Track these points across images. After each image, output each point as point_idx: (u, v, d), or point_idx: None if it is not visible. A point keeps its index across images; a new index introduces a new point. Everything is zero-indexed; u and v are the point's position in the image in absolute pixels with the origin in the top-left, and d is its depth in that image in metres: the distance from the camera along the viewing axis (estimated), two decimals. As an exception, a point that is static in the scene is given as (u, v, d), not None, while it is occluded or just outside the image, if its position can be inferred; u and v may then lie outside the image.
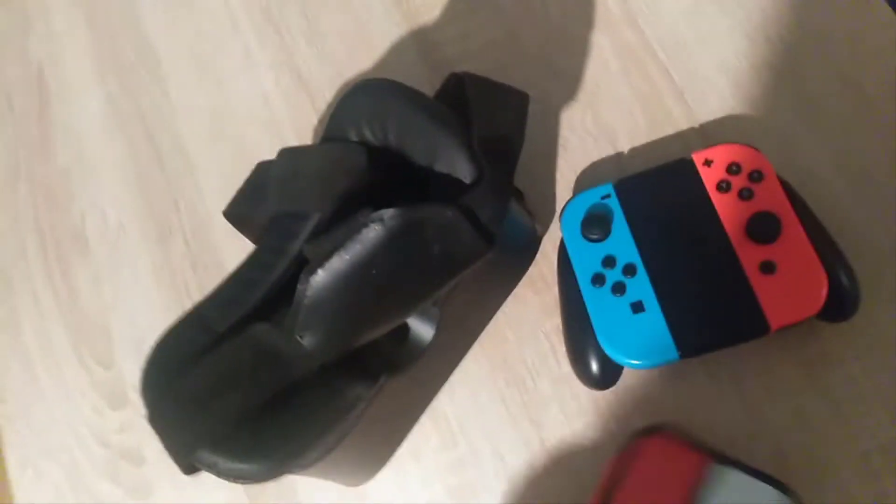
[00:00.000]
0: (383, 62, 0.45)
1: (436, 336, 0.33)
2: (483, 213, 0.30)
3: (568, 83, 0.42)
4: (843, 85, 0.37)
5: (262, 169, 0.34)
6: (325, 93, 0.46)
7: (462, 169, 0.31)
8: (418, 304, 0.30)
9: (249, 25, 0.49)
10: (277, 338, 0.28)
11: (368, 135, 0.33)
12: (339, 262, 0.27)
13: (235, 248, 0.45)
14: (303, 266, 0.29)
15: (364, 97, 0.33)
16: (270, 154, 0.45)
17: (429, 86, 0.44)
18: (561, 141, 0.41)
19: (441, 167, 0.32)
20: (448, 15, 0.45)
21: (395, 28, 0.46)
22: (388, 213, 0.28)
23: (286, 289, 0.30)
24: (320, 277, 0.27)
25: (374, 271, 0.28)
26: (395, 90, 0.32)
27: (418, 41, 0.45)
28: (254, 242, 0.35)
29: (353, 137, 0.33)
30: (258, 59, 0.48)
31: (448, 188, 0.31)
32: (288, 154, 0.33)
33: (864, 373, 0.33)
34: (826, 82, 0.38)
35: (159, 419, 0.28)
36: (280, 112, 0.47)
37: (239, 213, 0.34)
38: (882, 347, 0.34)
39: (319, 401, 0.28)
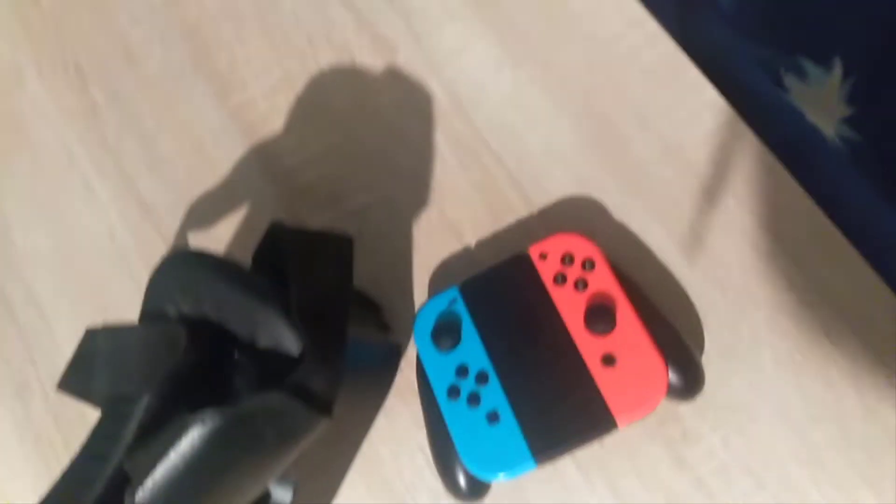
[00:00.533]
0: (226, 181, 0.45)
1: (295, 497, 0.32)
2: (315, 385, 0.29)
3: (411, 181, 0.42)
4: (666, 153, 0.38)
5: (90, 338, 0.32)
6: (170, 219, 0.45)
7: (286, 340, 0.30)
8: (262, 485, 0.29)
9: (86, 157, 0.48)
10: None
11: (186, 309, 0.31)
12: (160, 477, 0.26)
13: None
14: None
15: (174, 272, 0.32)
16: (121, 290, 0.44)
17: (274, 200, 0.43)
18: (412, 242, 0.41)
19: (264, 341, 0.31)
20: (285, 124, 0.45)
21: (233, 145, 0.45)
22: (207, 413, 0.27)
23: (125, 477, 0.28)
24: (144, 495, 0.26)
25: (204, 473, 0.27)
26: (204, 263, 0.31)
27: (258, 155, 0.45)
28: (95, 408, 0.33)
29: (172, 313, 0.31)
30: (99, 193, 0.47)
31: (276, 359, 0.30)
32: (112, 331, 0.31)
33: (723, 443, 0.34)
34: (650, 152, 0.39)
35: None
36: (127, 244, 0.45)
37: (73, 387, 0.33)
38: (734, 412, 0.34)
39: None
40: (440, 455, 0.35)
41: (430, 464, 0.37)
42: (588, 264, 0.34)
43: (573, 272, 0.34)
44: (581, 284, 0.34)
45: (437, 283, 0.40)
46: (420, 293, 0.40)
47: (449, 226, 0.41)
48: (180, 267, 0.31)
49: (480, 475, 0.33)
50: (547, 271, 0.35)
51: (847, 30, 0.47)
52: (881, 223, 0.45)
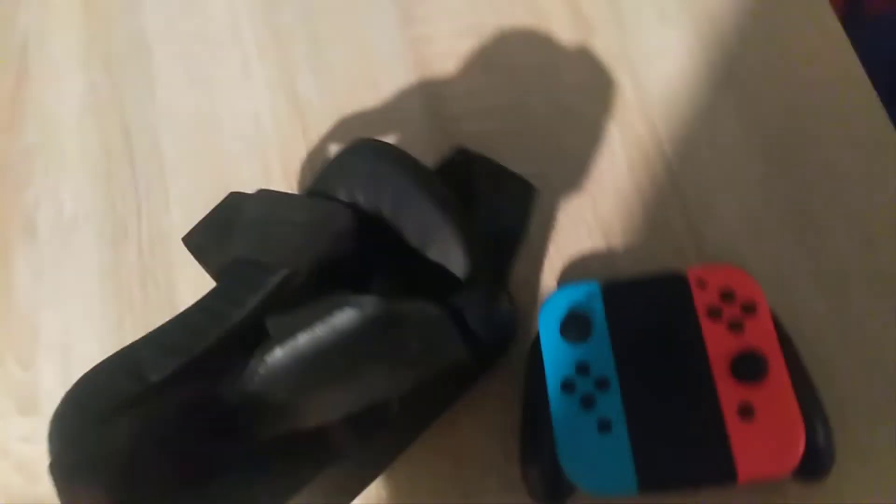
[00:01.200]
0: (385, 106, 0.44)
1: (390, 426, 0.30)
2: (473, 317, 0.28)
3: (571, 165, 0.40)
4: (849, 224, 0.36)
5: (235, 202, 0.31)
6: (320, 125, 0.44)
7: (455, 261, 0.29)
8: (381, 398, 0.28)
9: (253, 38, 0.47)
10: (219, 409, 0.25)
11: (361, 199, 0.30)
12: (302, 344, 0.25)
13: (191, 273, 0.41)
14: (258, 323, 0.26)
15: (364, 158, 0.30)
16: (250, 179, 0.43)
17: (426, 141, 0.42)
18: (554, 224, 0.39)
19: (433, 254, 0.29)
20: (460, 70, 0.44)
21: (403, 73, 0.44)
22: (368, 300, 0.25)
23: (236, 345, 0.27)
24: (278, 358, 0.25)
25: (339, 361, 0.26)
26: (398, 157, 0.30)
27: (425, 92, 0.43)
28: (212, 277, 0.32)
29: (343, 198, 0.30)
30: (256, 75, 0.46)
31: (436, 276, 0.29)
32: (267, 197, 0.30)
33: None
34: (833, 218, 0.36)
35: (66, 470, 0.25)
36: (269, 135, 0.44)
37: (200, 244, 0.32)
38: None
39: (257, 483, 0.26)
40: (531, 446, 0.33)
41: (507, 452, 0.35)
42: (749, 307, 0.32)
43: (731, 311, 0.32)
44: (737, 326, 0.32)
45: (570, 274, 0.38)
46: (549, 279, 0.38)
47: (599, 222, 0.39)
48: (373, 155, 0.30)
49: (576, 480, 0.31)
50: (703, 300, 0.33)
51: None
52: None
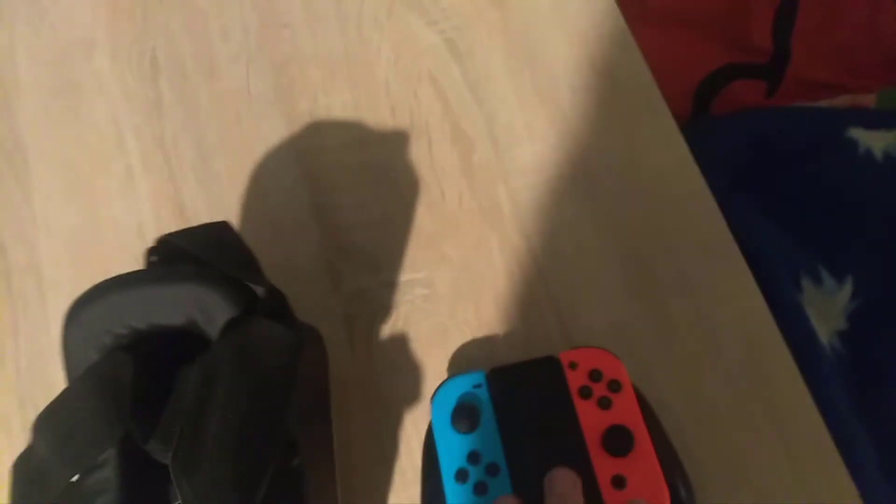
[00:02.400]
0: (275, 217, 0.45)
1: None
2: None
3: (455, 272, 0.44)
4: (697, 322, 0.41)
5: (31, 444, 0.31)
6: (207, 237, 0.45)
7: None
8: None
9: (137, 147, 0.48)
10: None
11: (109, 342, 0.31)
12: (188, 427, 0.27)
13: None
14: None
15: (90, 313, 0.31)
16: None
17: (316, 250, 0.44)
18: (440, 327, 0.42)
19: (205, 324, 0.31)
20: (348, 181, 0.46)
21: (292, 185, 0.46)
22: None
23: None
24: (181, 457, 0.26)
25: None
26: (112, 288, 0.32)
27: (313, 202, 0.46)
28: None
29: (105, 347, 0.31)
30: (139, 186, 0.47)
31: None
32: (47, 419, 0.30)
33: None
34: (683, 314, 0.41)
35: None
36: (154, 247, 0.45)
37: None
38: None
39: None
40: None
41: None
42: (614, 385, 0.37)
43: (599, 389, 0.37)
44: (605, 403, 0.36)
45: (456, 368, 0.41)
46: (433, 377, 0.41)
47: (480, 322, 0.42)
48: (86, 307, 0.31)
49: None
50: (574, 381, 0.37)
51: (864, 259, 0.52)
52: (854, 441, 0.48)
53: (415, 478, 0.39)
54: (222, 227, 0.36)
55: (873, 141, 0.56)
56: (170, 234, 0.34)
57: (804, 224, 0.54)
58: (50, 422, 0.29)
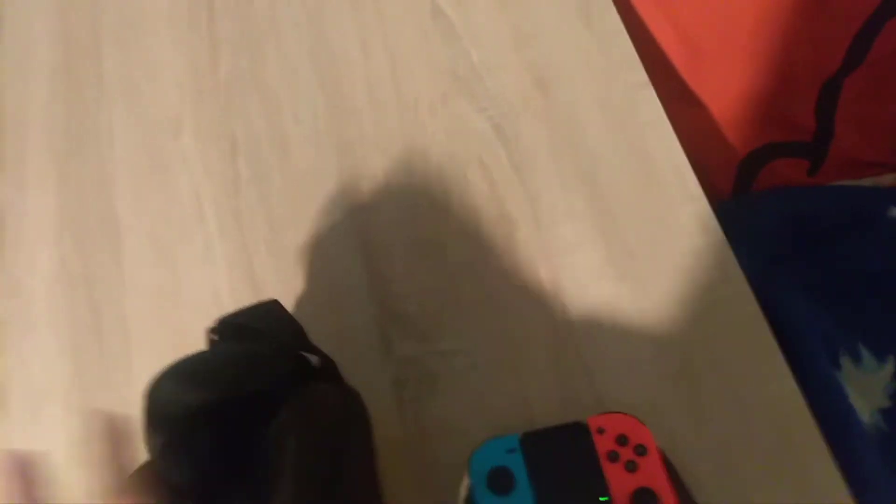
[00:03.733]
0: (332, 286, 0.50)
1: None
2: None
3: (498, 345, 0.48)
4: (730, 404, 0.44)
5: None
6: (275, 303, 0.50)
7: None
8: None
9: (215, 219, 0.54)
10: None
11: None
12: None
13: (154, 444, 0.46)
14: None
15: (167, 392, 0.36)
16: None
17: (370, 318, 0.49)
18: (478, 398, 0.46)
19: None
20: (401, 253, 0.51)
21: (349, 257, 0.51)
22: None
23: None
24: None
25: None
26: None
27: (369, 272, 0.51)
28: None
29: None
30: (217, 255, 0.52)
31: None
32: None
33: None
34: (715, 398, 0.44)
35: None
36: (227, 311, 0.50)
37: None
38: None
39: None
40: None
41: None
42: (640, 449, 0.39)
43: (626, 453, 0.39)
44: (631, 466, 0.39)
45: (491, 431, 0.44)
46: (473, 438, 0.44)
47: (518, 391, 0.46)
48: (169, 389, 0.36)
49: None
50: (602, 445, 0.40)
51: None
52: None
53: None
54: (273, 304, 0.41)
55: (915, 220, 0.57)
56: (228, 316, 0.39)
57: (844, 302, 0.56)
58: None
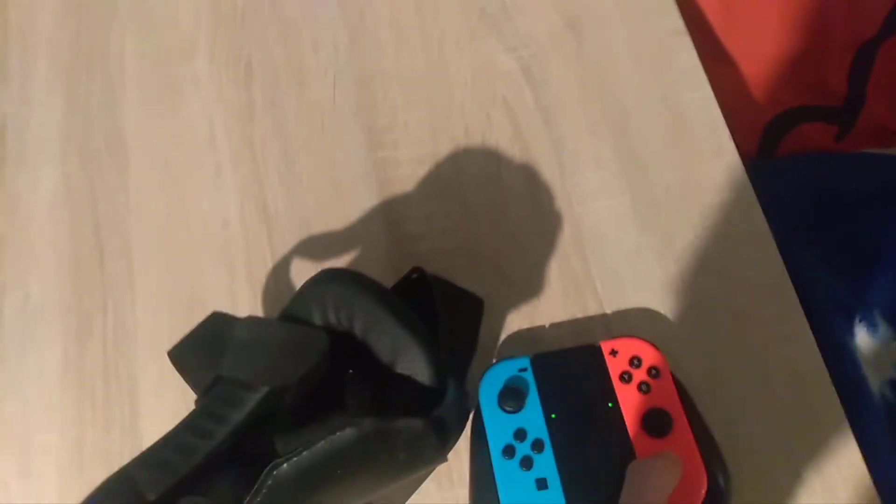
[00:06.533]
0: (348, 220, 0.48)
1: None
2: (449, 425, 0.33)
3: (513, 289, 0.46)
4: (749, 358, 0.42)
5: (217, 323, 0.35)
6: (286, 234, 0.48)
7: (423, 374, 0.34)
8: (367, 498, 0.33)
9: (227, 146, 0.51)
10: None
11: (333, 321, 0.35)
12: (307, 460, 0.30)
13: (153, 370, 0.45)
14: (243, 437, 0.30)
15: (334, 285, 0.35)
16: (214, 282, 0.47)
17: (385, 255, 0.47)
18: (492, 337, 0.44)
19: (403, 368, 0.34)
20: (418, 193, 0.49)
21: (366, 192, 0.49)
22: (366, 421, 0.30)
23: (222, 459, 0.31)
24: (285, 471, 0.29)
25: (338, 471, 0.30)
26: (365, 284, 0.35)
27: (385, 210, 0.48)
28: (194, 391, 0.35)
29: (317, 321, 0.34)
30: (227, 182, 0.50)
31: (405, 388, 0.33)
32: (253, 323, 0.34)
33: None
34: (733, 349, 0.42)
35: None
36: (236, 239, 0.48)
37: (184, 360, 0.35)
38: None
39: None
40: (480, 504, 0.38)
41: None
42: (653, 371, 0.39)
43: (639, 374, 0.39)
44: (645, 387, 0.38)
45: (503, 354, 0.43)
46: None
47: (533, 338, 0.44)
48: (342, 282, 0.35)
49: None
50: (615, 367, 0.39)
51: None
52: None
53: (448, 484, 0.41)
54: (477, 304, 0.41)
55: (943, 193, 0.55)
56: (432, 275, 0.40)
57: (863, 272, 0.54)
58: (251, 330, 0.33)
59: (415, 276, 0.42)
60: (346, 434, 0.30)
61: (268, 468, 0.29)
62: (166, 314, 0.46)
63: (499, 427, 0.38)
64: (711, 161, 0.47)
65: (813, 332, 0.44)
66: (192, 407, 0.34)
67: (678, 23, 0.52)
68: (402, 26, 0.54)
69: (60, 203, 0.50)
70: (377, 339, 0.34)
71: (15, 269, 0.48)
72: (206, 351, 0.34)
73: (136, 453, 0.31)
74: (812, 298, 0.50)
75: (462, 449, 0.40)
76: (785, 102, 0.63)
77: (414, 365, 0.34)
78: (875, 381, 0.52)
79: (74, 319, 0.47)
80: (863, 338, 0.53)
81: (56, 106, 0.54)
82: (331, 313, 0.35)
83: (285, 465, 0.29)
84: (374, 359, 0.35)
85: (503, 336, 0.44)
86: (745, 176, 0.47)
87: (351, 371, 0.35)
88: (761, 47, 0.63)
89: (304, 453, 0.30)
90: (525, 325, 0.44)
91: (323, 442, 0.30)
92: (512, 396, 0.39)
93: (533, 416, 0.38)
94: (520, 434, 0.38)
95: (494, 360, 0.41)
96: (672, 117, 0.49)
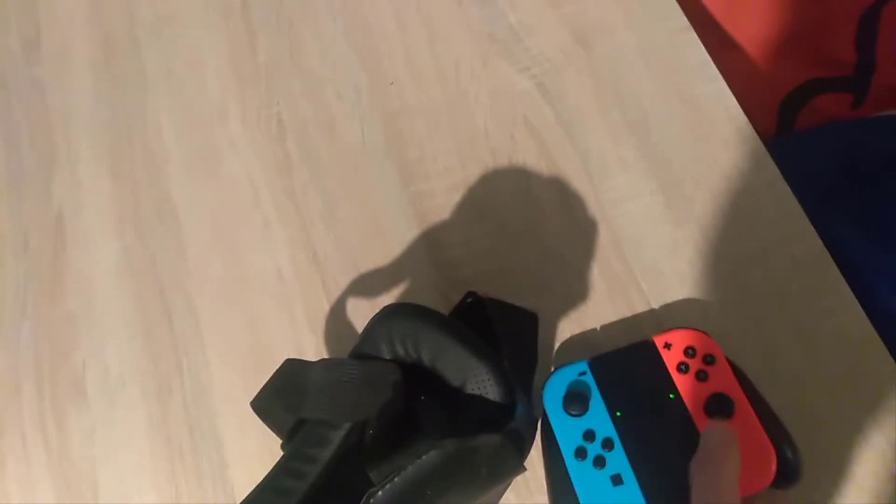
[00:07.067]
0: (393, 255, 0.50)
1: None
2: (524, 436, 0.35)
3: (559, 299, 0.47)
4: (799, 336, 0.43)
5: (293, 369, 0.37)
6: (338, 277, 0.50)
7: (493, 393, 0.36)
8: None
9: (271, 201, 0.54)
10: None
11: (401, 353, 0.37)
12: (399, 485, 0.32)
13: (234, 419, 0.47)
14: (334, 472, 0.32)
15: (398, 319, 0.37)
16: (277, 330, 0.50)
17: (433, 284, 0.49)
18: (548, 347, 0.46)
19: (473, 388, 0.36)
20: (455, 220, 0.51)
21: (406, 226, 0.51)
22: (448, 442, 0.33)
23: (319, 495, 0.33)
24: (381, 497, 0.32)
25: (428, 491, 0.32)
26: (427, 315, 0.37)
27: (426, 240, 0.50)
28: (278, 436, 0.38)
29: (387, 355, 0.37)
30: (276, 234, 0.53)
31: (478, 407, 0.35)
32: (327, 365, 0.36)
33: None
34: (785, 338, 0.43)
35: None
36: (292, 287, 0.51)
37: (266, 408, 0.37)
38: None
39: None
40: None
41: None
42: (709, 358, 0.40)
43: (695, 363, 0.40)
44: (702, 375, 0.40)
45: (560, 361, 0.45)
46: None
47: (586, 343, 0.45)
48: (406, 315, 0.37)
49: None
50: (671, 359, 0.40)
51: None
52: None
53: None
54: (531, 318, 0.43)
55: (967, 145, 0.56)
56: (486, 297, 0.42)
57: (897, 233, 0.55)
58: (328, 372, 0.36)
59: (469, 300, 0.44)
60: (432, 456, 0.32)
61: (365, 497, 0.31)
62: (237, 366, 0.49)
63: (568, 431, 0.40)
64: (734, 149, 0.49)
65: (858, 300, 0.45)
66: (277, 451, 0.37)
67: (682, 20, 0.53)
68: (416, 62, 0.57)
69: (124, 274, 0.53)
70: (445, 365, 0.36)
71: (92, 344, 0.51)
72: (286, 397, 0.36)
73: (229, 502, 0.33)
74: (852, 266, 0.51)
75: (534, 458, 0.42)
76: (797, 79, 0.64)
77: (483, 384, 0.36)
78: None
79: (153, 382, 0.49)
80: (907, 298, 0.53)
81: (104, 184, 0.57)
82: (398, 346, 0.37)
83: (380, 492, 0.32)
84: (444, 383, 0.37)
85: (558, 344, 0.46)
86: (769, 158, 0.48)
87: (423, 398, 0.37)
88: (765, 29, 0.64)
89: (396, 479, 0.32)
90: (577, 331, 0.46)
91: (412, 466, 0.32)
92: (576, 400, 0.40)
93: (599, 417, 0.40)
94: (589, 435, 0.39)
95: (552, 369, 0.43)
96: (690, 112, 0.50)
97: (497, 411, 0.36)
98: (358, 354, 0.37)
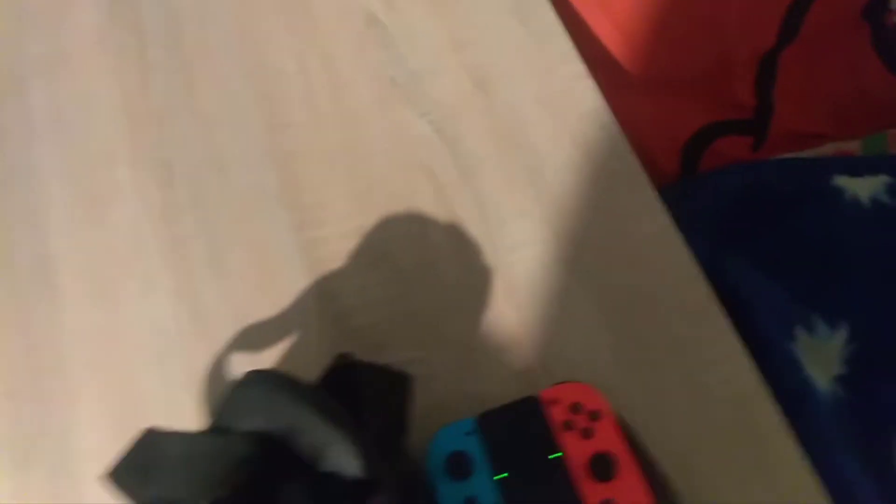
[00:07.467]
0: (282, 306, 0.48)
1: None
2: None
3: (451, 350, 0.46)
4: (687, 384, 0.42)
5: (149, 440, 0.34)
6: (221, 330, 0.48)
7: (350, 466, 0.33)
8: None
9: (156, 249, 0.51)
10: None
11: (261, 425, 0.34)
12: None
13: (101, 490, 0.43)
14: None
15: (256, 389, 0.35)
16: (150, 390, 0.46)
17: (320, 336, 0.47)
18: (437, 401, 0.44)
19: (329, 465, 0.34)
20: (350, 267, 0.49)
21: (298, 275, 0.49)
22: None
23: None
24: None
25: None
26: (286, 384, 0.35)
27: (319, 289, 0.48)
28: None
29: (245, 427, 0.34)
30: (159, 287, 0.50)
31: (336, 484, 0.33)
32: (181, 438, 0.34)
33: None
34: (672, 379, 0.43)
35: None
36: (173, 343, 0.48)
37: (122, 481, 0.34)
38: None
39: None
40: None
41: None
42: (594, 415, 0.39)
43: (580, 420, 0.38)
44: (587, 433, 0.38)
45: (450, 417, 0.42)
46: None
47: (475, 397, 0.43)
48: (262, 384, 0.35)
49: None
50: (557, 416, 0.39)
51: (858, 304, 0.52)
52: (853, 488, 0.48)
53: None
54: (404, 380, 0.40)
55: (859, 188, 0.57)
56: (355, 360, 0.39)
57: (795, 273, 0.55)
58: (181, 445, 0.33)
59: (341, 361, 0.41)
60: None
61: None
62: (109, 430, 0.45)
63: (450, 498, 0.37)
64: (627, 195, 0.48)
65: (753, 343, 0.45)
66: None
67: (579, 67, 0.53)
68: (315, 105, 0.55)
69: (-7, 331, 0.50)
70: (301, 439, 0.34)
71: (-48, 405, 0.47)
72: (139, 471, 0.33)
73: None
74: (748, 309, 0.51)
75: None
76: (698, 121, 0.65)
77: (340, 459, 0.33)
78: (823, 380, 0.53)
79: (9, 452, 0.45)
80: (803, 340, 0.53)
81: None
82: (258, 417, 0.34)
83: None
84: (304, 458, 0.34)
85: (448, 398, 0.44)
86: (661, 205, 0.48)
87: (282, 475, 0.35)
88: (666, 72, 0.65)
89: None
90: (469, 385, 0.44)
91: None
92: (459, 463, 0.38)
93: (482, 481, 0.38)
94: (471, 501, 0.37)
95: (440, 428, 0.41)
96: (583, 157, 0.50)
97: (358, 486, 0.33)
98: (216, 425, 0.35)
